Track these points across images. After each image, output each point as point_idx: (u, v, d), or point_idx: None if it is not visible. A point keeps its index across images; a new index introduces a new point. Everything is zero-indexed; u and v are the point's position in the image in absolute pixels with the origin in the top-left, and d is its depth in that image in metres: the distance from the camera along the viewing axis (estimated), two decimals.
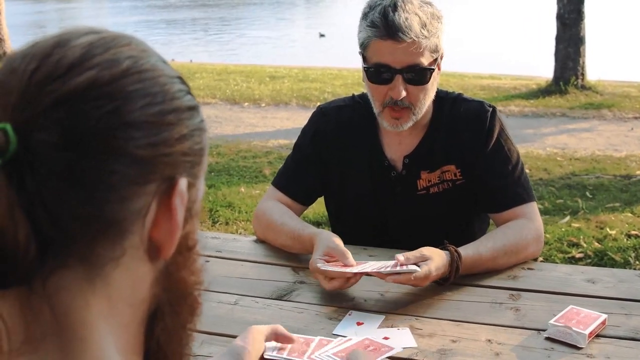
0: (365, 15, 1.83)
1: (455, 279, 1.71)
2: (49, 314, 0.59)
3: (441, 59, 1.90)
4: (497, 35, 17.07)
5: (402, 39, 1.76)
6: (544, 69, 9.82)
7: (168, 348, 0.70)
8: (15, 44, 10.63)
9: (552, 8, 9.18)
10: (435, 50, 1.83)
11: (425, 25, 1.78)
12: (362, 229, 2.06)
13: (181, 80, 0.68)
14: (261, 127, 7.87)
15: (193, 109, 0.67)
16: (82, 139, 0.58)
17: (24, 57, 0.61)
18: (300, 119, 7.93)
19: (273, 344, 1.41)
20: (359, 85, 9.74)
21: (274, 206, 2.03)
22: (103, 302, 0.62)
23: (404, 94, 1.82)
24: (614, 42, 14.30)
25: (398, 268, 1.61)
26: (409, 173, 1.97)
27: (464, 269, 1.72)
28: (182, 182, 0.65)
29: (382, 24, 1.77)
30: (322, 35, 20.16)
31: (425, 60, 1.81)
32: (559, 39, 8.99)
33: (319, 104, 2.20)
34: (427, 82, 1.83)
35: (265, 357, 1.37)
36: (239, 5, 32.62)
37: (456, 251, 1.71)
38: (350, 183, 2.04)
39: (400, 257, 1.62)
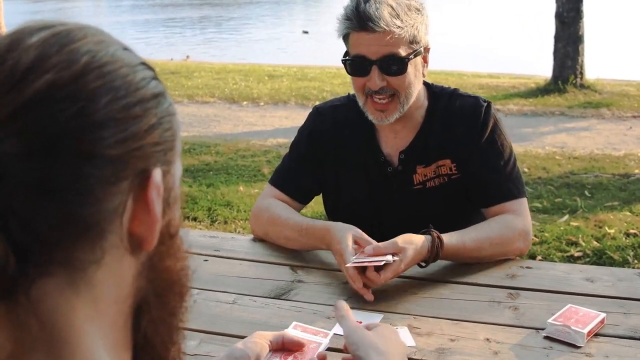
0: (343, 10, 1.86)
1: (433, 261, 1.73)
2: (35, 323, 0.58)
3: (427, 51, 1.91)
4: (496, 33, 17.07)
5: (372, 28, 1.78)
6: (543, 68, 9.81)
7: (156, 339, 0.68)
8: None
9: (551, 7, 9.18)
10: (414, 41, 1.84)
11: (399, 16, 1.80)
12: (359, 226, 2.05)
13: (145, 65, 0.66)
14: (260, 126, 7.86)
15: (159, 95, 0.65)
16: (47, 146, 0.55)
17: None
18: (299, 117, 7.92)
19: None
20: None
21: (276, 203, 2.04)
22: (88, 304, 0.61)
23: (380, 84, 1.84)
24: (612, 41, 14.30)
25: (370, 259, 1.64)
26: (405, 168, 1.98)
27: (446, 256, 1.75)
28: (157, 174, 0.63)
29: (354, 16, 1.81)
30: (305, 32, 20.43)
31: (402, 51, 1.82)
32: (557, 38, 8.99)
33: (317, 102, 2.20)
34: (404, 72, 1.84)
35: None
36: (240, 4, 32.59)
37: (439, 237, 1.73)
38: (346, 181, 2.05)
39: (371, 248, 1.66)
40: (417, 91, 1.92)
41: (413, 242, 1.69)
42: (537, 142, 6.74)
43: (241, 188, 5.31)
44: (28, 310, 0.57)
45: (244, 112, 8.63)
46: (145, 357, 0.68)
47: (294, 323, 1.54)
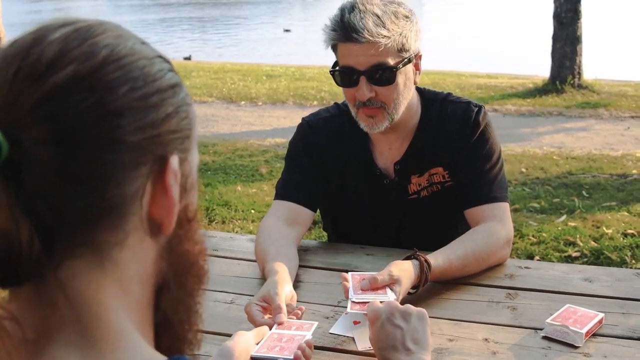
0: (329, 20, 1.82)
1: (422, 287, 1.67)
2: (64, 302, 0.61)
3: (419, 58, 1.87)
4: (494, 34, 17.09)
5: (356, 39, 1.74)
6: (541, 68, 9.83)
7: (175, 319, 0.72)
8: None
9: (549, 7, 9.19)
10: (402, 49, 1.79)
11: (384, 25, 1.74)
12: (358, 235, 2.06)
13: (162, 58, 0.69)
14: (258, 125, 7.86)
15: (175, 86, 0.68)
16: (70, 133, 0.59)
17: (4, 58, 0.62)
18: (297, 117, 7.89)
19: (260, 343, 1.42)
20: None
21: (269, 227, 1.89)
22: (115, 283, 0.64)
23: (368, 95, 1.80)
24: (610, 41, 14.31)
25: (372, 296, 1.56)
26: (400, 179, 1.97)
27: (433, 278, 1.69)
28: (174, 160, 0.66)
29: (339, 26, 1.77)
30: (286, 31, 20.60)
31: (390, 60, 1.78)
32: (555, 38, 9.01)
33: (315, 102, 2.18)
34: (393, 81, 1.80)
35: (252, 355, 1.38)
36: (241, 3, 32.59)
37: (426, 261, 1.66)
38: (346, 193, 2.02)
39: (371, 282, 1.58)
40: (407, 100, 1.87)
41: (405, 269, 1.63)
42: (535, 142, 6.74)
43: (239, 188, 5.30)
44: (57, 290, 0.61)
45: (242, 112, 8.63)
46: (164, 335, 0.72)
47: (270, 331, 1.47)
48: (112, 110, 0.61)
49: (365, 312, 1.48)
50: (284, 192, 1.99)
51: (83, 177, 0.60)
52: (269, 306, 1.53)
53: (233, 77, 11.13)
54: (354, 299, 1.56)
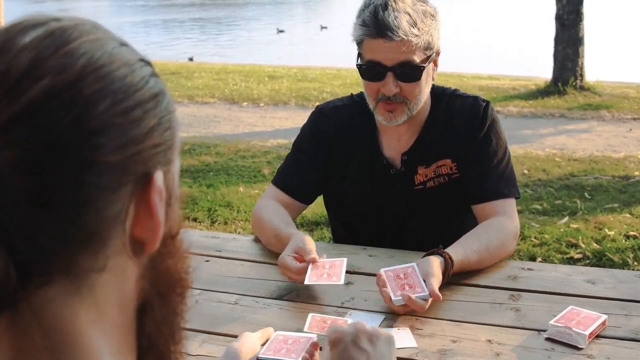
0: (359, 14, 1.86)
1: (444, 282, 1.69)
2: (38, 330, 0.57)
3: (437, 55, 1.92)
4: (496, 35, 17.09)
5: (390, 37, 1.78)
6: (543, 70, 9.84)
7: (159, 340, 0.67)
8: None
9: (551, 9, 9.19)
10: (428, 47, 1.84)
11: (416, 24, 1.79)
12: (362, 226, 2.09)
13: (143, 62, 0.63)
14: (260, 126, 7.87)
15: (158, 94, 0.62)
16: (46, 156, 0.53)
17: None
18: (299, 118, 7.93)
19: (266, 345, 1.43)
20: (357, 85, 9.73)
21: (268, 204, 2.03)
22: (91, 308, 0.59)
23: (394, 90, 1.84)
24: (612, 43, 14.31)
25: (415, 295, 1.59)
26: (407, 169, 2.00)
27: (453, 273, 1.72)
28: (158, 176, 0.61)
29: (372, 23, 1.80)
30: (280, 31, 20.84)
31: (417, 58, 1.83)
32: (557, 40, 9.01)
33: (317, 103, 2.20)
34: (419, 78, 1.85)
35: (259, 356, 1.38)
36: (240, 5, 32.61)
37: (450, 258, 1.70)
38: (350, 182, 2.06)
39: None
40: (426, 96, 1.93)
41: (438, 266, 1.66)
42: (537, 144, 6.74)
43: (241, 189, 5.31)
44: (30, 318, 0.56)
45: (244, 113, 8.64)
46: (148, 356, 0.67)
47: (275, 333, 1.50)
48: (91, 128, 0.55)
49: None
50: (281, 180, 2.09)
51: (59, 204, 0.54)
52: (300, 257, 1.73)
53: (235, 78, 11.14)
54: (397, 305, 1.59)
